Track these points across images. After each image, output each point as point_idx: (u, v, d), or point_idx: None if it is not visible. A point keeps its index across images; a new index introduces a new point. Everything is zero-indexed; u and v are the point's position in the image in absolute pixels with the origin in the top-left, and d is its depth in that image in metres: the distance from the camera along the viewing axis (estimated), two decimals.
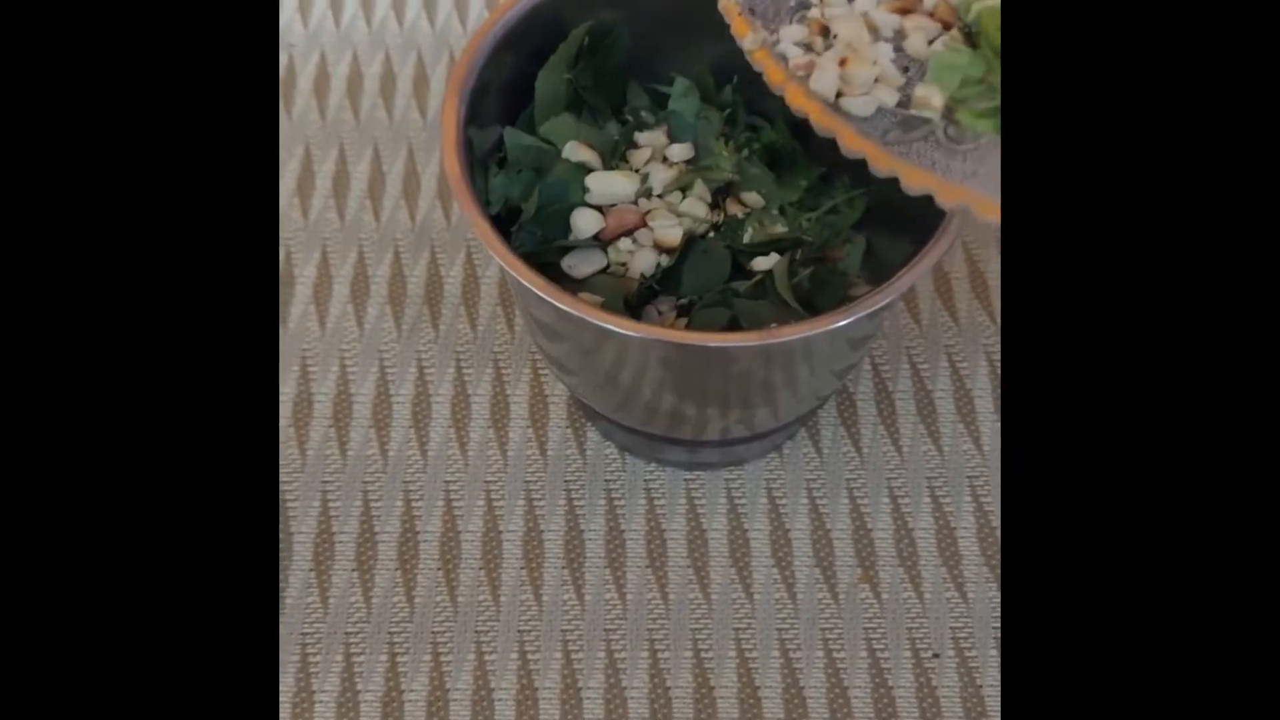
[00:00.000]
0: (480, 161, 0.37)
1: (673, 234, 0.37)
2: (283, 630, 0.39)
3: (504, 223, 0.38)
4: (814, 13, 0.34)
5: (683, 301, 0.37)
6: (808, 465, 0.42)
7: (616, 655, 0.39)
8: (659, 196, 0.38)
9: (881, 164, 0.32)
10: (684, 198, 0.38)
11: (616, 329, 0.32)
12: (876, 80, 0.33)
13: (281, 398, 0.44)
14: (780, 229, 0.38)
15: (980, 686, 0.38)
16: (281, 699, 0.38)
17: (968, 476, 0.42)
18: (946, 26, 0.34)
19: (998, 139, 0.32)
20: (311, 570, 0.40)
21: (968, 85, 0.32)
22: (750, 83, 0.41)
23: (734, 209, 0.39)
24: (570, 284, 0.37)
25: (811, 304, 0.37)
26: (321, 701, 0.38)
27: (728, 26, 0.36)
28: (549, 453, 0.42)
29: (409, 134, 0.50)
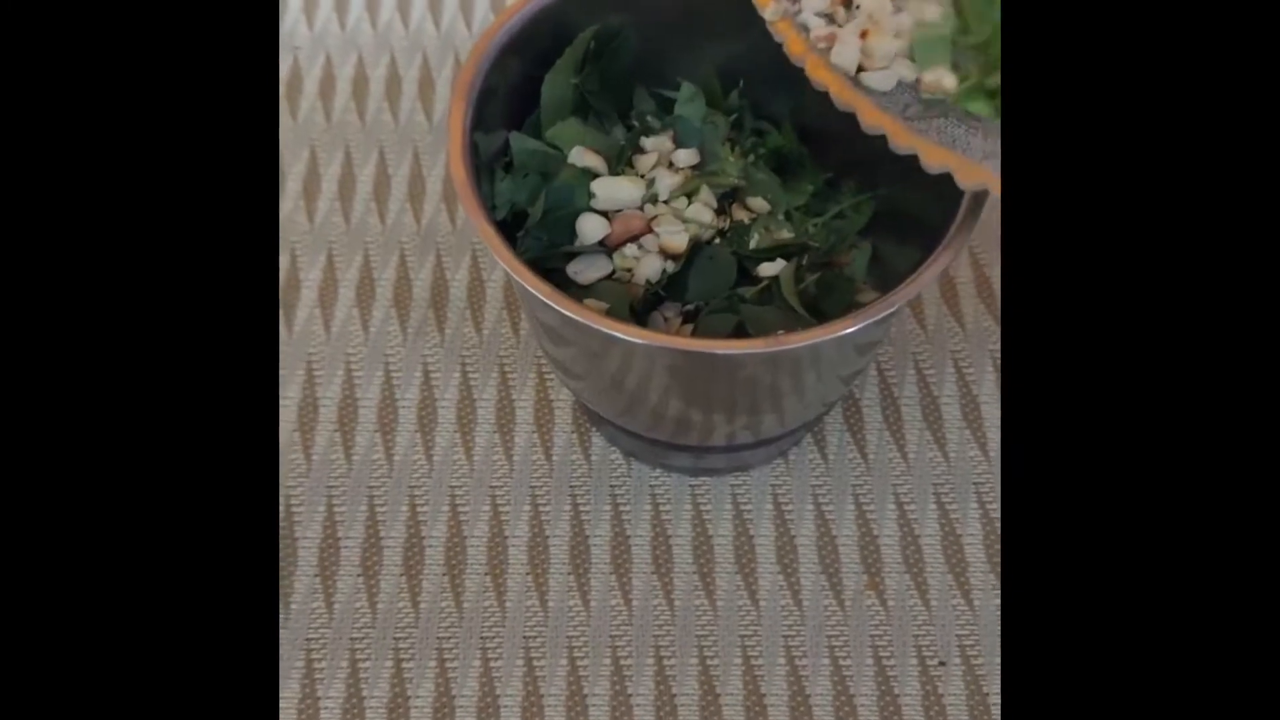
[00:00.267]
0: (486, 166, 0.37)
1: (678, 240, 0.37)
2: (287, 636, 0.39)
3: (509, 227, 0.38)
4: None
5: (688, 307, 0.37)
6: (813, 472, 0.42)
7: (622, 662, 0.39)
8: (665, 202, 0.38)
9: (901, 140, 0.31)
10: (690, 203, 0.38)
11: (622, 336, 0.32)
12: (897, 54, 0.32)
13: (286, 402, 0.44)
14: (786, 234, 0.38)
15: (987, 695, 0.38)
16: (286, 705, 0.38)
17: (974, 483, 0.42)
18: None
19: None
20: (316, 576, 0.40)
21: (965, 61, 0.32)
22: (756, 87, 0.41)
23: (740, 214, 0.39)
24: (576, 289, 0.37)
25: (818, 310, 0.36)
26: (326, 708, 0.38)
27: (734, 30, 0.36)
28: (554, 458, 0.42)
29: (414, 137, 0.50)
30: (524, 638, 0.39)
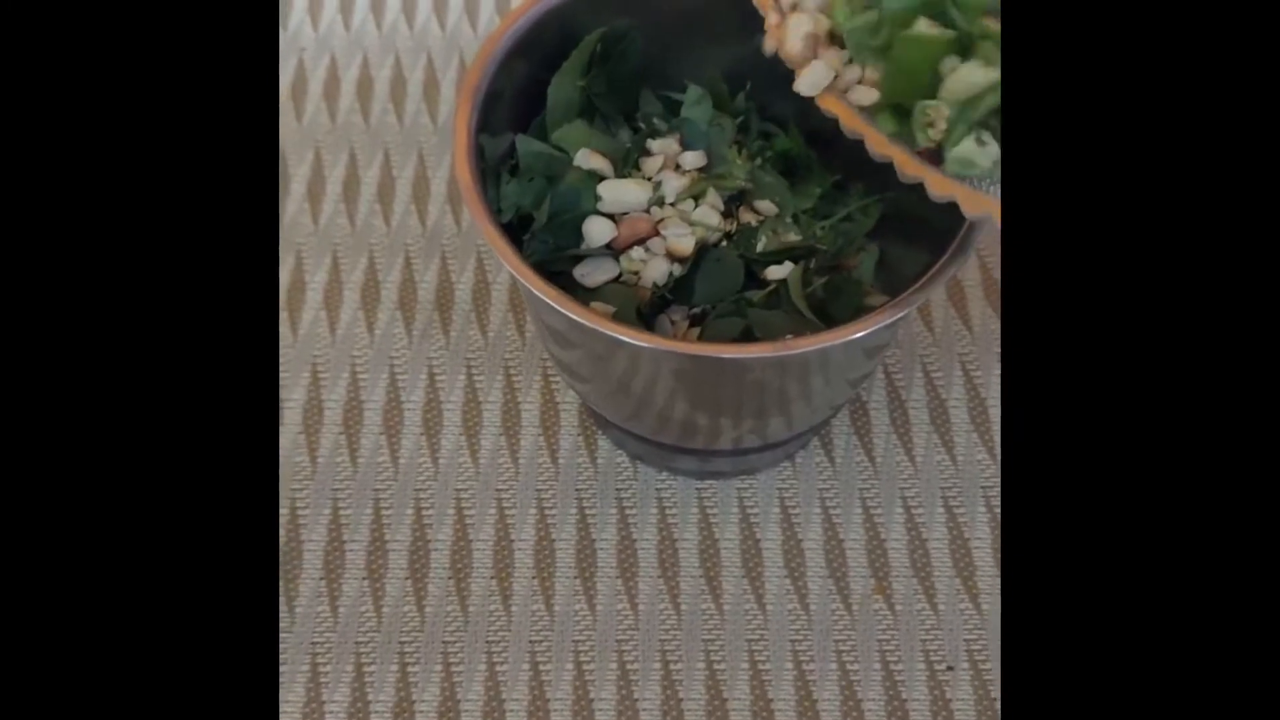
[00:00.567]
0: (492, 169, 0.37)
1: (685, 243, 0.37)
2: (293, 640, 0.39)
3: (515, 230, 0.37)
4: None
5: (695, 311, 0.37)
6: (820, 475, 0.42)
7: (629, 667, 0.38)
8: (671, 204, 0.38)
9: (908, 170, 0.31)
10: (696, 206, 0.38)
11: (629, 340, 0.32)
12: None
13: (292, 404, 0.43)
14: (794, 237, 0.38)
15: (995, 700, 0.38)
16: (291, 710, 0.38)
17: (981, 486, 0.42)
18: None
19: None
20: (322, 579, 0.40)
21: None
22: (763, 89, 0.40)
23: (747, 217, 0.38)
24: (582, 292, 0.37)
25: (826, 313, 0.36)
26: (332, 712, 0.38)
27: (740, 32, 0.36)
28: (560, 461, 0.42)
29: (419, 138, 0.50)
30: (530, 642, 0.39)
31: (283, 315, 0.45)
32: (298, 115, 0.51)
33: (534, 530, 0.41)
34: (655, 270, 0.37)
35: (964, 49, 0.30)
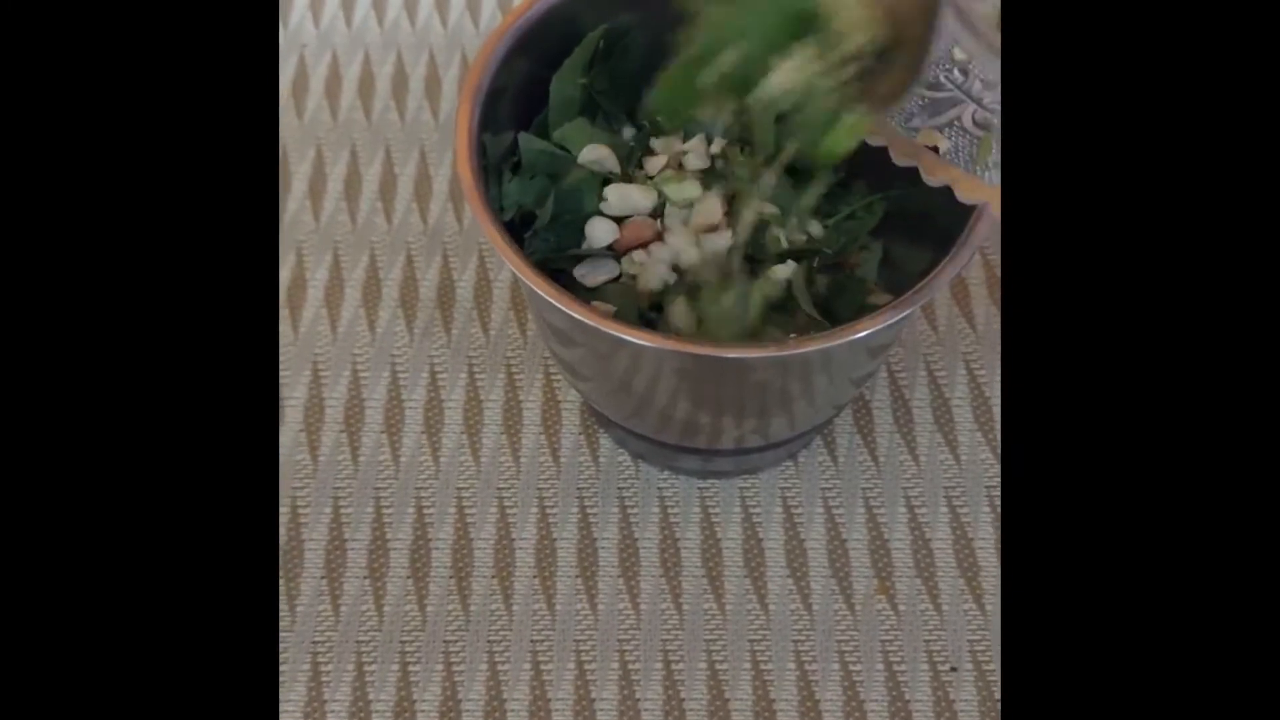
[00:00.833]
0: (494, 166, 0.37)
1: (687, 256, 0.36)
2: (294, 639, 0.39)
3: (516, 228, 0.37)
4: None
5: None
6: (823, 474, 0.42)
7: (630, 666, 0.38)
8: (676, 206, 0.38)
9: (902, 153, 0.31)
10: (701, 206, 0.38)
11: (632, 339, 0.32)
12: None
13: (293, 402, 0.43)
14: (799, 236, 0.38)
15: (998, 701, 0.37)
16: (292, 709, 0.38)
17: (986, 486, 0.41)
18: None
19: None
20: (323, 578, 0.40)
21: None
22: None
23: (750, 216, 0.38)
24: (582, 291, 0.37)
25: (829, 312, 0.36)
26: (333, 711, 0.38)
27: None
28: (562, 460, 0.42)
29: (421, 136, 0.50)
30: (531, 641, 0.39)
31: (284, 313, 0.45)
32: (299, 113, 0.50)
33: (535, 529, 0.41)
34: (655, 274, 0.37)
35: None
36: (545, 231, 0.37)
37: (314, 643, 0.39)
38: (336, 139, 0.50)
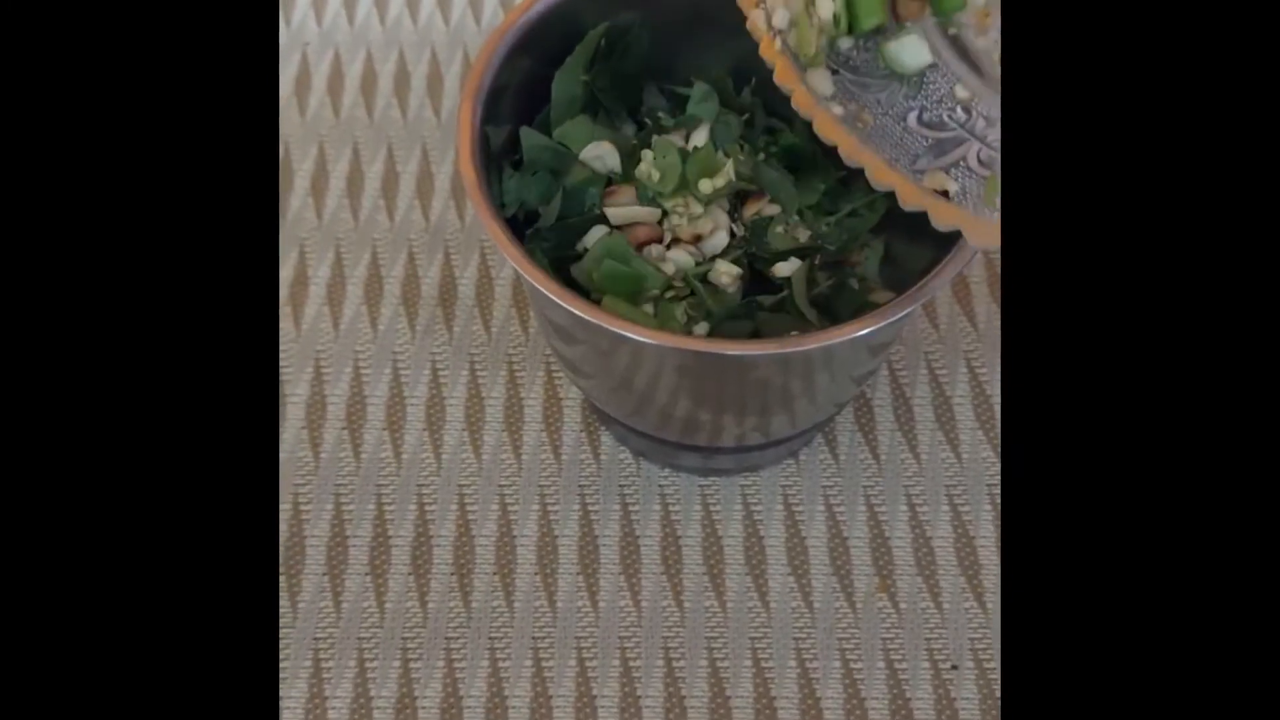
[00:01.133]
0: (495, 162, 0.37)
1: (688, 263, 0.36)
2: (295, 635, 0.39)
3: (518, 224, 0.37)
4: None
5: None
6: (824, 472, 0.42)
7: (631, 664, 0.38)
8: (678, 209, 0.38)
9: (911, 199, 0.31)
10: (705, 206, 0.38)
11: (633, 336, 0.32)
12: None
13: (295, 399, 0.43)
14: (802, 233, 0.38)
15: (999, 699, 0.37)
16: (294, 705, 0.38)
17: (986, 484, 0.41)
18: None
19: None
20: (325, 574, 0.40)
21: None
22: (768, 84, 0.40)
23: (752, 214, 0.38)
24: (582, 289, 0.37)
25: (830, 310, 0.36)
26: (334, 708, 0.38)
27: (744, 28, 0.36)
28: (563, 457, 0.42)
29: (423, 133, 0.50)
30: (532, 638, 0.39)
31: (286, 310, 0.45)
32: (301, 110, 0.50)
33: (536, 526, 0.41)
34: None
35: None
36: (547, 230, 0.37)
37: (315, 639, 0.39)
38: (339, 137, 0.50)
